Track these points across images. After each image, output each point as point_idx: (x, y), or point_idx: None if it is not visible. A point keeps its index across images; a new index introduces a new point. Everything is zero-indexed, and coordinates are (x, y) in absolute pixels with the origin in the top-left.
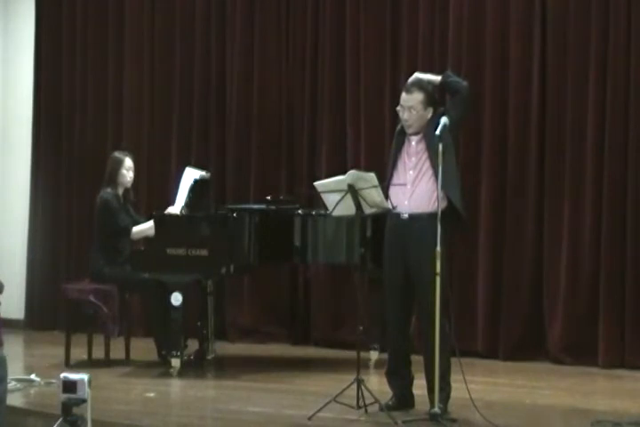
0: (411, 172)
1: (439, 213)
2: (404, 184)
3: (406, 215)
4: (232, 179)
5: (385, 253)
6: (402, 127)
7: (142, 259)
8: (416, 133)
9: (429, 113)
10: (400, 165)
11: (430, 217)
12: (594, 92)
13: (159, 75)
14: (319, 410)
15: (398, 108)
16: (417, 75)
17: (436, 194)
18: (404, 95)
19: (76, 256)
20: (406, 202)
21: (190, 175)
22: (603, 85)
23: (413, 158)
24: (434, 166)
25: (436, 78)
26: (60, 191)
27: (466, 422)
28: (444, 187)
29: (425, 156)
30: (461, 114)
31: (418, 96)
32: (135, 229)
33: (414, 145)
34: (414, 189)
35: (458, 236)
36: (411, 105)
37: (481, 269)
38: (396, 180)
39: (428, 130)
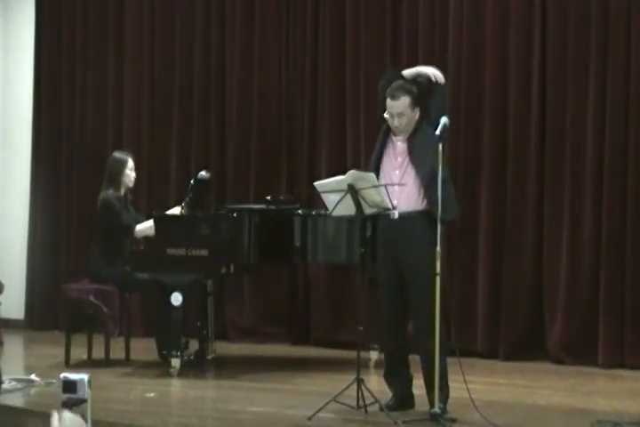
0: (397, 171)
1: (439, 212)
2: (393, 183)
3: (396, 215)
4: (232, 179)
5: (378, 254)
6: (387, 127)
7: (142, 259)
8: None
9: (417, 113)
10: (387, 165)
11: (420, 215)
12: (594, 91)
13: (159, 75)
14: (319, 410)
15: (386, 115)
16: (406, 72)
17: (423, 192)
18: (390, 102)
19: (75, 256)
20: (396, 202)
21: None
22: (603, 85)
23: (399, 158)
24: (415, 165)
25: (425, 70)
26: (60, 191)
27: (466, 422)
28: (428, 188)
29: (410, 156)
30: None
31: (405, 100)
32: (138, 227)
33: (400, 145)
34: (402, 188)
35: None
36: (400, 111)
37: (481, 270)
38: (383, 180)
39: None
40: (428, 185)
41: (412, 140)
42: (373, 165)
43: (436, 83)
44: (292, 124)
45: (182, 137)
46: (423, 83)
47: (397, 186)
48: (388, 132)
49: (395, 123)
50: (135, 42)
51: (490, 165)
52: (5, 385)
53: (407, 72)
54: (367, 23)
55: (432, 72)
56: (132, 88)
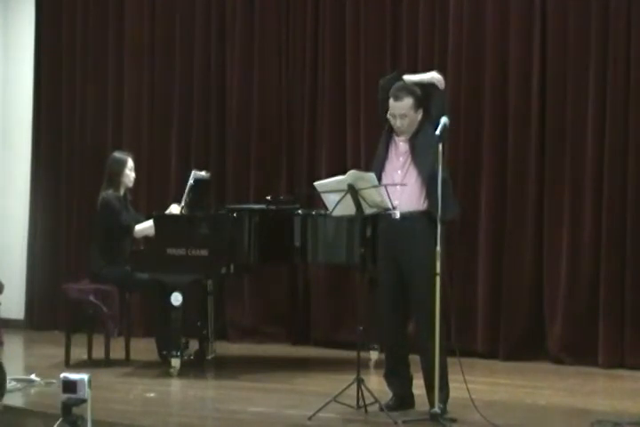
0: (399, 171)
1: (439, 212)
2: (395, 184)
3: (398, 215)
4: (232, 179)
5: (379, 254)
6: (389, 127)
7: (142, 259)
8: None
9: (420, 115)
10: (389, 166)
11: (421, 215)
12: (594, 91)
13: (159, 74)
14: (319, 410)
15: (389, 115)
16: (408, 77)
17: (425, 192)
18: (393, 103)
19: (75, 256)
20: (397, 201)
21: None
22: (603, 85)
23: (401, 158)
24: (417, 166)
25: (424, 77)
26: (60, 191)
27: (466, 423)
28: (429, 189)
29: (411, 156)
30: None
31: (408, 102)
32: (138, 227)
33: (402, 145)
34: (404, 188)
35: (458, 236)
36: (403, 113)
37: (481, 270)
38: (385, 180)
39: (414, 130)
40: (429, 185)
41: (413, 141)
42: (379, 165)
43: (437, 87)
44: (291, 124)
45: (182, 137)
46: (425, 84)
47: (399, 186)
48: (391, 131)
49: (397, 124)
50: (135, 42)
51: (490, 165)
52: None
53: (408, 78)
54: (367, 23)
55: (432, 77)
56: (131, 88)
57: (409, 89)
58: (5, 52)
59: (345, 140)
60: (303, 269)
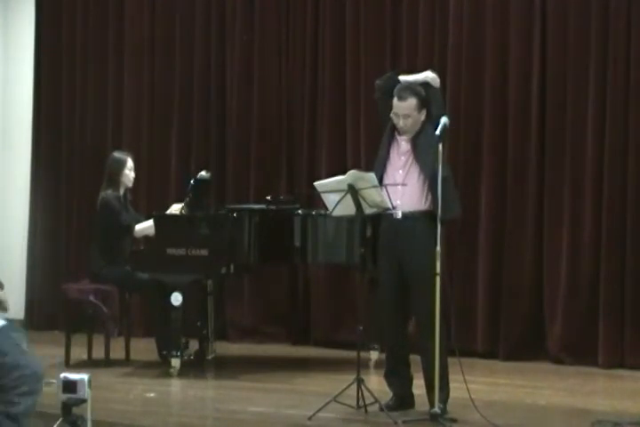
0: (400, 171)
1: (439, 212)
2: (396, 184)
3: (399, 214)
4: (232, 179)
5: (380, 254)
6: (392, 126)
7: (142, 259)
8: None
9: (423, 115)
10: (390, 165)
11: (423, 215)
12: (594, 91)
13: (159, 74)
14: (319, 410)
15: (392, 115)
16: (403, 78)
17: (426, 192)
18: (397, 103)
19: (75, 256)
20: (398, 201)
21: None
22: (603, 85)
23: (403, 158)
24: (418, 165)
25: (419, 77)
26: (60, 191)
27: (466, 423)
28: (431, 188)
29: (413, 155)
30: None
31: (412, 102)
32: (138, 227)
33: (404, 144)
34: (405, 188)
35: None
36: (406, 113)
37: (481, 270)
38: (387, 179)
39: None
40: (431, 185)
41: (415, 140)
42: (380, 165)
43: (432, 86)
44: (291, 124)
45: (182, 137)
46: (421, 84)
47: (400, 185)
48: (393, 130)
49: (400, 123)
50: (135, 42)
51: (490, 165)
52: None
53: (403, 78)
54: (367, 23)
55: (426, 76)
56: (131, 88)
57: (413, 89)
58: (5, 52)
59: (345, 141)
60: (303, 269)
